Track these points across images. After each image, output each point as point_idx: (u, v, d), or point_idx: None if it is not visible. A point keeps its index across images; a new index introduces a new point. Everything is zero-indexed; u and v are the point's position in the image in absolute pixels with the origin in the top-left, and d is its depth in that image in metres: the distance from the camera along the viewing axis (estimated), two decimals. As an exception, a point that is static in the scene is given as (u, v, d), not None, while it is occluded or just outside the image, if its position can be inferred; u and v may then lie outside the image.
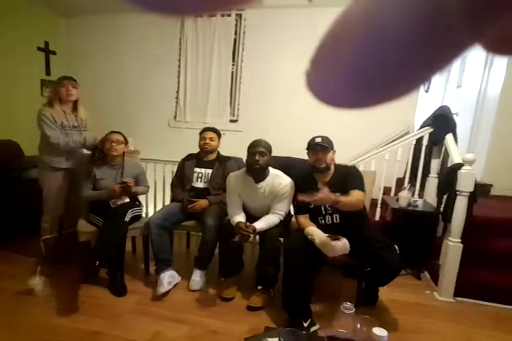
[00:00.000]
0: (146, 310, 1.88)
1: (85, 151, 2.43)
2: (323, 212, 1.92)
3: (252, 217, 2.02)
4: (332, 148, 1.90)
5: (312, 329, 1.69)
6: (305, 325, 1.69)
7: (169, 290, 2.03)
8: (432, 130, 2.63)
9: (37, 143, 2.32)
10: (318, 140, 1.87)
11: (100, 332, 1.66)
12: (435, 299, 2.14)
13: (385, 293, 2.05)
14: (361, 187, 1.83)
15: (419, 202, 2.51)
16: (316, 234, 1.76)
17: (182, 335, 1.66)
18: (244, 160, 2.08)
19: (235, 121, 3.76)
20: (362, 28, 0.13)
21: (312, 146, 1.89)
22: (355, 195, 1.74)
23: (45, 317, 1.76)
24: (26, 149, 3.22)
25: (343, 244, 1.62)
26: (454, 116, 2.74)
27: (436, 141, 2.64)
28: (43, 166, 2.31)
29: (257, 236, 2.04)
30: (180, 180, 2.40)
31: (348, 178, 1.84)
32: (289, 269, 1.80)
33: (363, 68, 0.14)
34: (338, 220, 1.89)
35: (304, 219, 1.94)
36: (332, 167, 1.93)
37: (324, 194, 1.57)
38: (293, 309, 1.76)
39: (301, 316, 1.72)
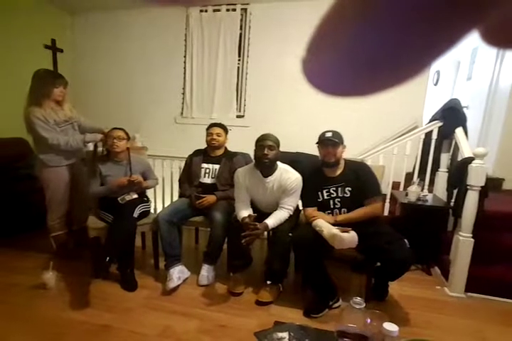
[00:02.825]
0: (156, 304, 1.90)
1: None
2: (332, 206, 1.92)
3: (260, 213, 2.02)
4: (342, 143, 1.90)
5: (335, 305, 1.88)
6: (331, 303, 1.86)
7: (179, 285, 2.04)
8: (441, 124, 2.59)
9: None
10: (329, 135, 1.87)
11: (111, 326, 1.68)
12: (446, 294, 2.12)
13: (395, 288, 2.04)
14: (378, 190, 1.93)
15: (429, 197, 2.48)
16: (324, 225, 1.76)
17: (192, 329, 1.68)
18: (252, 155, 2.07)
19: (242, 116, 3.75)
20: (360, 8, 0.12)
21: (322, 141, 1.90)
22: (373, 206, 1.86)
23: (57, 310, 1.79)
24: (35, 146, 3.26)
25: (351, 236, 1.62)
26: (464, 110, 2.70)
27: (446, 135, 2.60)
28: (42, 165, 2.23)
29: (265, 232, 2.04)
30: (188, 175, 2.40)
31: (361, 178, 1.88)
32: (299, 259, 1.86)
33: (361, 52, 0.13)
34: (346, 213, 1.90)
35: (312, 212, 1.94)
36: (342, 161, 1.94)
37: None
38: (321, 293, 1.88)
39: (327, 297, 1.86)
